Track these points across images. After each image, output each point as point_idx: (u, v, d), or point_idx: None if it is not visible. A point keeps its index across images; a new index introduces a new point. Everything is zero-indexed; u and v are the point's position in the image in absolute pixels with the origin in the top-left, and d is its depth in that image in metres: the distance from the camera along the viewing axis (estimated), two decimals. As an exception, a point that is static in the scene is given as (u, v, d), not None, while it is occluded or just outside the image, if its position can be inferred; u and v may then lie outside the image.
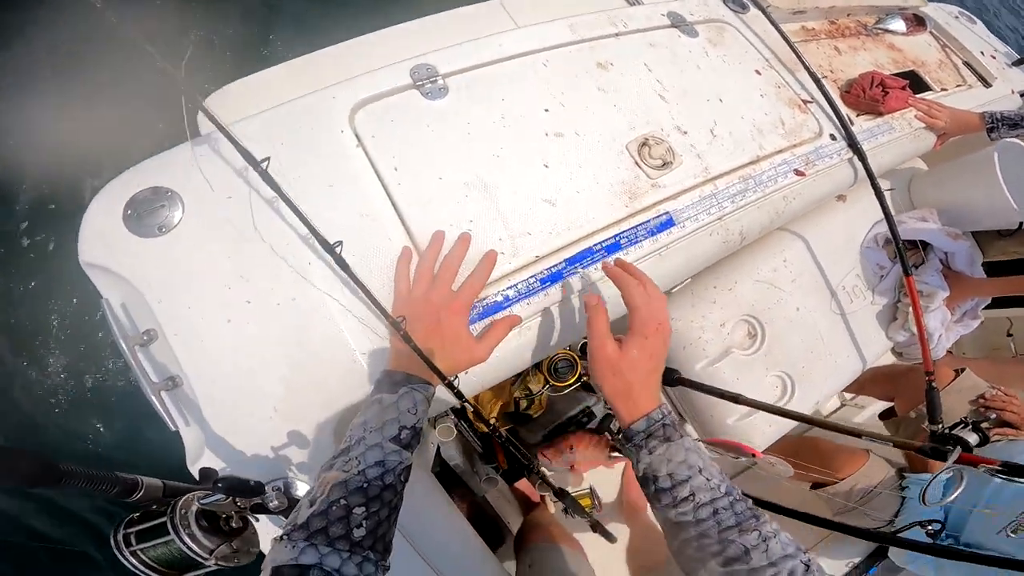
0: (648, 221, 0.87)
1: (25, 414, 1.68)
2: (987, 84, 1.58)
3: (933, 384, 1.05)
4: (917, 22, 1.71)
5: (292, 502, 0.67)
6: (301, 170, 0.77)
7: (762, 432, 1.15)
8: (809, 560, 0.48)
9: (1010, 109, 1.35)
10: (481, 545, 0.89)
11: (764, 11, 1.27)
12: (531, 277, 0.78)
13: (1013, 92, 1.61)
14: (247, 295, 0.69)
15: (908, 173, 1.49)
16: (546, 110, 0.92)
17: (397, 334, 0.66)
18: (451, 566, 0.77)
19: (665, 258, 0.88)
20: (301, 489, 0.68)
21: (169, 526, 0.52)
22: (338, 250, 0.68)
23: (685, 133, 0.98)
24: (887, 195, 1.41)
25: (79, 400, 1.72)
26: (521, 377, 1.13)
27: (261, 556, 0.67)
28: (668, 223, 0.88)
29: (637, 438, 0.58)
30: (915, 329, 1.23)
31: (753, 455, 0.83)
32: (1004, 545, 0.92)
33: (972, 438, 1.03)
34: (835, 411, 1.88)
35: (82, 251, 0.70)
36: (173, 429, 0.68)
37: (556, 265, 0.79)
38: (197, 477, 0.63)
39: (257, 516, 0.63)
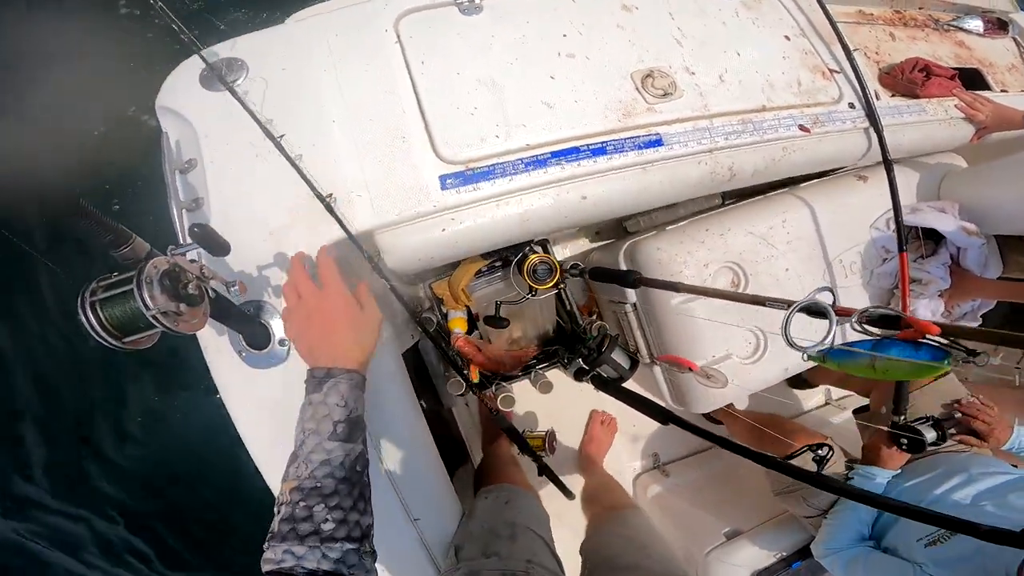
0: (638, 136, 0.95)
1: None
2: (1058, 92, 1.48)
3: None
4: (999, 25, 1.62)
5: (256, 318, 0.77)
6: (347, 55, 0.95)
7: (731, 388, 1.17)
8: None
9: None
10: (435, 457, 0.96)
11: None
12: (518, 159, 0.89)
13: None
14: (278, 136, 0.86)
15: (943, 168, 1.43)
16: (564, 35, 1.03)
17: (307, 345, 0.66)
18: (404, 470, 0.87)
19: (648, 172, 0.95)
20: (269, 313, 0.81)
21: (134, 280, 0.53)
22: (328, 201, 0.81)
23: (693, 74, 1.05)
24: (914, 181, 1.37)
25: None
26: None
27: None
28: (656, 142, 0.96)
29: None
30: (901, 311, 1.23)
31: (690, 368, 0.89)
32: (917, 555, 0.90)
33: (930, 434, 1.03)
34: (818, 407, 1.83)
35: (160, 97, 0.92)
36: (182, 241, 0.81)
37: (542, 155, 0.90)
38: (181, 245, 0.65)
39: (214, 292, 0.65)
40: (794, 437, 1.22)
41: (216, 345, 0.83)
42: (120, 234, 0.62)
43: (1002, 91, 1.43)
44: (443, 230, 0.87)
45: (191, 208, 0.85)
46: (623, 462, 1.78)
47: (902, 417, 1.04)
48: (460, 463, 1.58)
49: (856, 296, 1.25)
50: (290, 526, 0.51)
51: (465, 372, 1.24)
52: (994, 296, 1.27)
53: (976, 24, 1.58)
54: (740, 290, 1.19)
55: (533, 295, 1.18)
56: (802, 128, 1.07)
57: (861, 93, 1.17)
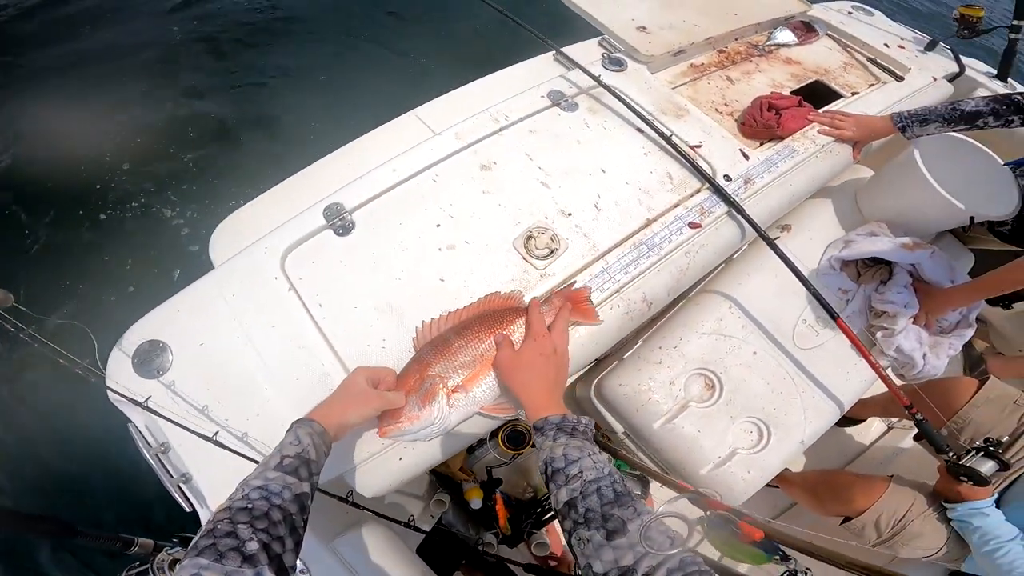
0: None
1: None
2: (899, 78, 1.57)
3: (918, 417, 1.00)
4: (807, 29, 1.68)
5: None
6: (251, 315, 0.93)
7: (742, 480, 1.11)
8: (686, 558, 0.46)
9: (927, 104, 1.23)
10: None
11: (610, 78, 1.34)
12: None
13: (935, 80, 1.55)
14: (222, 415, 0.87)
15: (851, 186, 1.43)
16: (438, 226, 1.03)
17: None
18: None
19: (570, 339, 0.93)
20: None
21: (150, 570, 0.79)
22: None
23: (569, 215, 1.06)
24: (830, 211, 1.38)
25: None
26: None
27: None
28: (561, 308, 0.95)
29: (548, 428, 0.66)
30: (892, 352, 1.19)
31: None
32: None
33: (986, 466, 0.96)
34: (881, 436, 1.74)
35: (109, 384, 0.89)
36: (189, 510, 0.85)
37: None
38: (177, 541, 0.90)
39: None
40: (853, 491, 1.15)
41: None
42: (124, 540, 0.80)
43: (853, 94, 1.50)
44: (400, 459, 0.85)
45: (184, 481, 0.86)
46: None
47: (952, 455, 0.98)
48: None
49: (837, 348, 1.20)
50: (210, 540, 0.48)
51: (495, 529, 1.26)
52: (974, 298, 1.19)
53: (787, 35, 1.63)
54: (716, 391, 1.14)
55: (515, 459, 1.16)
56: (692, 225, 1.08)
57: (696, 170, 1.12)
